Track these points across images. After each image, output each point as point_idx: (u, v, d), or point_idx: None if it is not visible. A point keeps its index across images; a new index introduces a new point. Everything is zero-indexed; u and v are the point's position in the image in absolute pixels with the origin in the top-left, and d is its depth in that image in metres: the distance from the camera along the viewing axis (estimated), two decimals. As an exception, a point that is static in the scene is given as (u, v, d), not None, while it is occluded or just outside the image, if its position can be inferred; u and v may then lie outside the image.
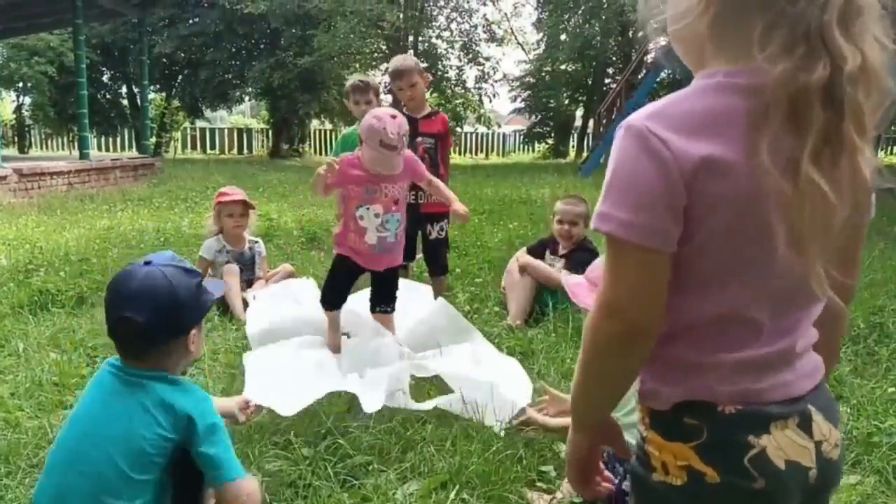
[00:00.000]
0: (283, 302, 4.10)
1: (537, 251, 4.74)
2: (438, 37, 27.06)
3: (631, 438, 1.20)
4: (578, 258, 4.40)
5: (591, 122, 26.22)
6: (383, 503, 2.19)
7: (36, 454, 2.54)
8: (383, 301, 3.74)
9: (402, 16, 23.51)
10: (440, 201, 4.11)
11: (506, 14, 30.81)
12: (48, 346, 3.77)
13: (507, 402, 2.79)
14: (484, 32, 27.76)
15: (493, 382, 2.88)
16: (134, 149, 27.97)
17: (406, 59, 4.73)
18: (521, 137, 34.44)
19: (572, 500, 2.16)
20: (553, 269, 4.49)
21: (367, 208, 3.49)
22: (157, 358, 1.91)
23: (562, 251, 4.60)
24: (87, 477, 1.76)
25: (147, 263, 1.95)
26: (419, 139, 4.56)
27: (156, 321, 1.85)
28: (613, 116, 19.11)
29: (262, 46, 28.02)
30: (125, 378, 1.89)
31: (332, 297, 3.68)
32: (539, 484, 2.36)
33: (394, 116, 3.37)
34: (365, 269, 3.67)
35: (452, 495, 2.24)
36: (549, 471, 2.42)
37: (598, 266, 2.12)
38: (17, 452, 2.55)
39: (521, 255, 4.67)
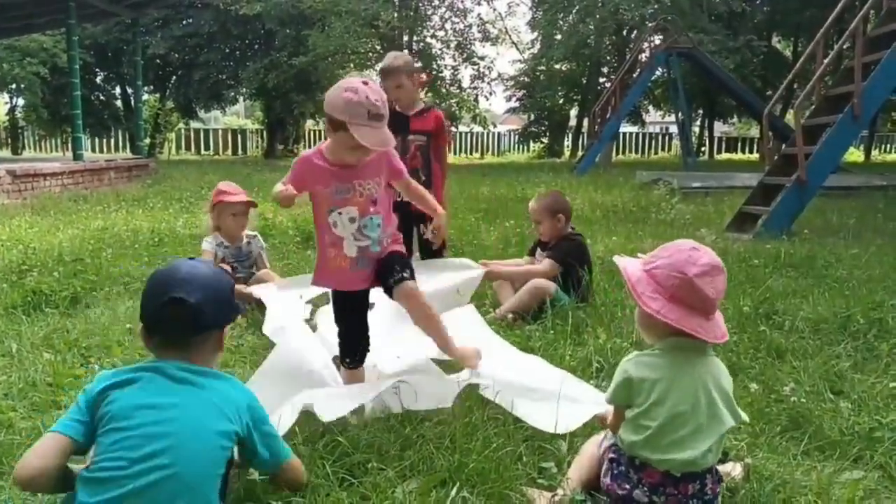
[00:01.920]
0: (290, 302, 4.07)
1: (533, 250, 4.86)
2: (433, 36, 27.06)
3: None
4: (561, 248, 4.51)
5: (585, 122, 26.20)
6: (382, 501, 2.16)
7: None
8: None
9: (396, 15, 23.48)
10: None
11: (500, 13, 30.89)
12: (42, 346, 3.73)
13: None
14: (478, 32, 27.75)
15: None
16: (128, 150, 27.91)
17: (395, 59, 4.51)
18: (517, 137, 34.44)
19: (573, 497, 2.13)
20: (523, 261, 4.79)
21: (340, 212, 2.90)
22: (198, 348, 1.96)
23: (550, 245, 4.63)
24: (177, 480, 1.74)
25: (191, 259, 2.08)
26: (411, 137, 4.45)
27: (205, 304, 1.91)
28: (608, 115, 19.10)
29: (256, 47, 28.02)
30: (179, 377, 1.89)
31: (350, 350, 3.15)
32: (540, 481, 2.33)
33: (365, 83, 2.79)
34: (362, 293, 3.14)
35: (453, 493, 2.21)
36: (549, 467, 2.39)
37: (666, 263, 2.10)
38: (10, 453, 2.51)
39: (488, 267, 4.52)
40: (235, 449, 1.94)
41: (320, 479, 2.24)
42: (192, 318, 1.89)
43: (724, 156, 32.52)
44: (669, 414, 2.03)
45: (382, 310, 3.70)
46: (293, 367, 3.20)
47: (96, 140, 30.73)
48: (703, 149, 30.86)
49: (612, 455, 2.15)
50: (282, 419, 2.38)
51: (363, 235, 2.94)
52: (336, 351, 3.26)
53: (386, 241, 3.02)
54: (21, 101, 28.10)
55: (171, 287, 1.90)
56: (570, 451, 2.48)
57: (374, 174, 2.96)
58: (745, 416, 2.20)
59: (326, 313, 4.12)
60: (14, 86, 25.90)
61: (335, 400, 2.67)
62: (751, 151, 33.87)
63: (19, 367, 3.42)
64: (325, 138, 2.99)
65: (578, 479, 2.22)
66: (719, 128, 36.89)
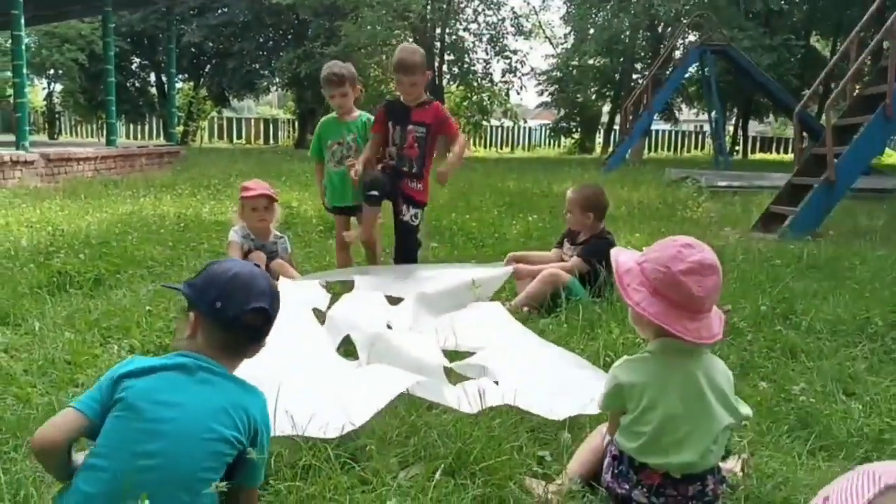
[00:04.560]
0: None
1: (560, 241, 4.87)
2: (466, 29, 26.98)
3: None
4: (593, 246, 4.48)
5: (618, 118, 26.02)
6: (382, 486, 2.18)
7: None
8: None
9: (429, 7, 23.46)
10: (418, 190, 4.62)
11: (534, 7, 30.70)
12: (64, 325, 3.81)
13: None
14: (511, 26, 27.63)
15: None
16: (161, 137, 28.23)
17: (414, 54, 4.63)
18: (548, 132, 34.27)
19: (571, 487, 2.14)
20: (551, 253, 4.81)
21: None
22: (239, 356, 2.05)
23: (580, 240, 4.61)
24: (166, 472, 1.75)
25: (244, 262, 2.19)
26: (410, 127, 4.62)
27: (274, 315, 2.04)
28: (640, 112, 18.94)
29: (289, 37, 28.20)
30: (200, 377, 1.90)
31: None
32: (535, 469, 2.34)
33: None
34: None
35: (453, 481, 2.23)
36: (545, 455, 2.41)
37: (655, 257, 2.08)
38: (26, 427, 2.57)
39: (511, 255, 4.81)
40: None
41: (322, 462, 2.27)
42: (262, 330, 2.02)
43: (759, 155, 32.09)
44: (662, 418, 2.02)
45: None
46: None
47: (131, 126, 31.18)
48: (736, 148, 30.46)
49: (613, 452, 2.14)
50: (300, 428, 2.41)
51: None
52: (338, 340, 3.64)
53: None
54: (59, 87, 28.61)
55: (253, 294, 1.97)
56: (576, 441, 2.49)
57: None
58: (746, 410, 2.17)
59: (346, 301, 4.18)
60: (52, 71, 26.37)
61: (358, 405, 2.61)
62: (786, 152, 33.36)
63: (41, 345, 3.50)
64: None
65: (578, 469, 2.22)
66: (754, 127, 36.40)
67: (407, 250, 4.80)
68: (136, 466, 1.73)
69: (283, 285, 4.24)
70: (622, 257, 2.17)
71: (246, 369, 2.84)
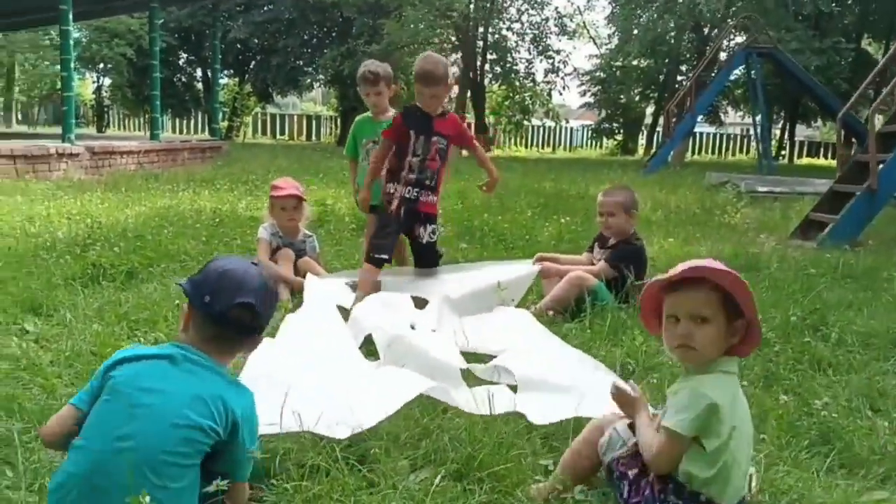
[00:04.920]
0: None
1: (591, 246, 4.82)
2: (509, 28, 26.89)
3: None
4: (621, 251, 4.45)
5: (661, 119, 25.71)
6: (389, 489, 2.18)
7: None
8: None
9: (472, 6, 23.43)
10: (432, 202, 4.55)
11: (578, 7, 30.48)
12: (93, 317, 3.88)
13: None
14: (555, 25, 27.47)
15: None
16: (206, 131, 28.64)
17: (438, 66, 4.46)
18: (590, 133, 34.01)
19: (574, 497, 2.12)
20: (581, 257, 4.77)
21: None
22: (232, 349, 2.11)
23: (610, 243, 4.57)
24: (136, 453, 1.79)
25: (243, 258, 2.19)
26: (434, 138, 4.53)
27: (261, 312, 2.06)
28: (683, 114, 18.69)
29: (333, 34, 28.39)
30: (184, 367, 1.95)
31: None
32: (537, 478, 2.32)
33: None
34: None
35: (460, 486, 2.23)
36: (548, 464, 2.39)
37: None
38: (48, 417, 2.62)
39: (539, 255, 4.76)
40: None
41: (331, 462, 2.27)
42: (250, 325, 2.05)
43: (805, 160, 31.48)
44: (741, 441, 1.97)
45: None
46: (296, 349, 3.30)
47: (177, 121, 31.71)
48: (783, 152, 29.90)
49: (658, 486, 2.00)
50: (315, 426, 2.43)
51: None
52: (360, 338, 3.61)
53: None
54: (107, 81, 29.21)
55: (243, 292, 2.02)
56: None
57: None
58: None
59: (371, 300, 4.20)
60: (102, 66, 26.93)
61: (368, 407, 2.60)
62: (833, 157, 32.63)
63: (69, 336, 3.57)
64: None
65: (572, 468, 2.20)
66: (802, 131, 35.67)
67: (430, 266, 4.78)
68: (112, 448, 1.80)
69: (309, 282, 4.29)
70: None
71: (261, 365, 2.90)
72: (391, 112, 5.02)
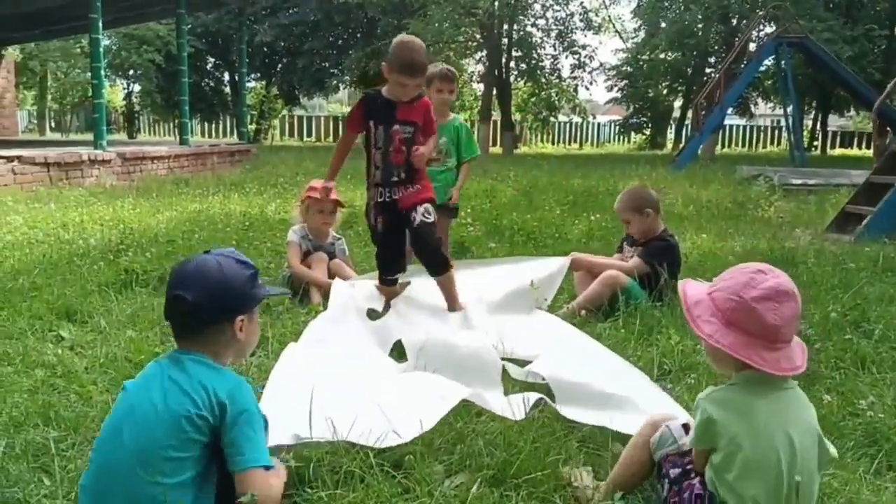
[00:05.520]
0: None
1: (620, 247, 4.78)
2: (534, 25, 26.76)
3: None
4: (653, 248, 4.39)
5: (690, 113, 25.43)
6: (425, 496, 2.15)
7: (99, 427, 2.62)
8: None
9: (497, 3, 23.35)
10: (416, 191, 4.04)
11: (604, 1, 30.19)
12: (127, 323, 3.91)
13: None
14: (580, 20, 27.28)
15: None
16: (234, 135, 28.88)
17: (423, 53, 3.98)
18: (617, 128, 33.76)
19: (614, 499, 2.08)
20: (613, 258, 4.64)
21: None
22: (205, 339, 2.03)
23: (641, 242, 4.51)
24: (127, 452, 1.83)
25: (206, 252, 2.12)
26: (396, 127, 3.99)
27: (203, 301, 1.99)
28: (712, 107, 18.44)
29: (358, 35, 28.46)
30: (173, 358, 2.01)
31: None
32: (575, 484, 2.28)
33: None
34: None
35: (497, 492, 2.19)
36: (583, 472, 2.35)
37: (726, 285, 1.97)
38: (85, 425, 2.64)
39: (573, 255, 4.65)
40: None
41: (365, 468, 2.25)
42: (190, 315, 2.01)
43: (839, 151, 30.97)
44: (748, 461, 1.86)
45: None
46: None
47: (205, 125, 32.01)
48: (815, 143, 29.42)
49: (698, 490, 1.96)
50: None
51: None
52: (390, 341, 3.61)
53: None
54: (137, 87, 29.56)
55: (174, 284, 2.03)
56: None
57: None
58: (834, 452, 2.03)
59: (402, 302, 4.19)
60: (131, 72, 27.26)
61: (403, 418, 2.55)
62: (868, 147, 32.04)
63: (104, 342, 3.60)
64: None
65: (621, 482, 2.16)
66: (835, 121, 35.10)
67: (433, 253, 4.10)
68: (109, 453, 1.87)
69: (337, 286, 4.27)
70: (690, 289, 2.04)
71: (288, 370, 2.91)
72: (451, 116, 4.97)
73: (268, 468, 1.93)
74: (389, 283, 4.29)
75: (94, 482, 1.88)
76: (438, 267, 4.09)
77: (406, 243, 4.22)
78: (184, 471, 1.84)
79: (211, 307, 2.01)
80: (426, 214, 4.02)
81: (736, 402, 1.92)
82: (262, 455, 1.91)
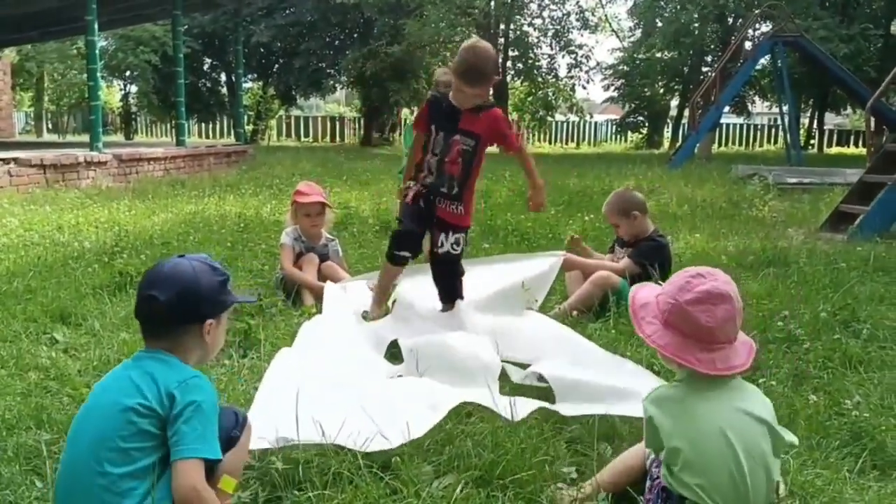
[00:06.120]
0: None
1: (611, 248, 4.82)
2: (530, 24, 26.79)
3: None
4: (644, 248, 4.44)
5: (686, 112, 25.46)
6: (413, 497, 2.17)
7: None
8: None
9: (493, 3, 23.38)
10: (458, 214, 3.89)
11: (600, 1, 30.22)
12: (121, 326, 3.92)
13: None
14: (577, 20, 27.33)
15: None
16: (231, 136, 28.91)
17: (488, 61, 3.81)
18: (614, 127, 33.78)
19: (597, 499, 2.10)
20: (605, 258, 4.69)
21: None
22: (172, 340, 2.06)
23: (631, 243, 4.55)
24: (84, 447, 1.88)
25: (181, 256, 2.15)
26: (457, 137, 3.84)
27: (174, 303, 2.02)
28: (708, 105, 18.46)
29: (355, 36, 28.47)
30: (137, 357, 2.06)
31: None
32: (559, 485, 2.31)
33: None
34: None
35: (483, 492, 2.21)
36: (570, 472, 2.37)
37: (667, 289, 2.07)
38: (77, 428, 2.66)
39: (564, 255, 4.64)
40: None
41: (353, 469, 2.27)
42: (159, 316, 2.03)
43: (835, 149, 30.97)
44: (686, 454, 1.93)
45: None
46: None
47: (202, 126, 32.00)
48: (811, 142, 29.44)
49: (663, 484, 2.01)
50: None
51: None
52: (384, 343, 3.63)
53: None
54: (134, 89, 29.54)
55: (146, 285, 2.06)
56: (615, 455, 2.44)
57: None
58: (791, 439, 2.09)
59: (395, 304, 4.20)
60: (128, 73, 27.25)
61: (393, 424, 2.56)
62: (864, 145, 32.08)
63: (98, 345, 3.61)
64: None
65: (610, 483, 2.18)
66: (831, 119, 35.13)
67: (449, 287, 4.04)
68: (72, 453, 1.92)
69: (328, 289, 4.29)
70: (641, 293, 2.17)
71: (279, 373, 2.93)
72: None
73: (216, 461, 1.93)
74: (399, 261, 4.05)
75: (62, 480, 1.93)
76: (447, 299, 4.05)
77: (426, 234, 4.08)
78: (135, 461, 1.84)
79: (182, 309, 2.04)
80: (455, 246, 3.94)
81: (673, 399, 2.03)
82: (206, 447, 1.89)
